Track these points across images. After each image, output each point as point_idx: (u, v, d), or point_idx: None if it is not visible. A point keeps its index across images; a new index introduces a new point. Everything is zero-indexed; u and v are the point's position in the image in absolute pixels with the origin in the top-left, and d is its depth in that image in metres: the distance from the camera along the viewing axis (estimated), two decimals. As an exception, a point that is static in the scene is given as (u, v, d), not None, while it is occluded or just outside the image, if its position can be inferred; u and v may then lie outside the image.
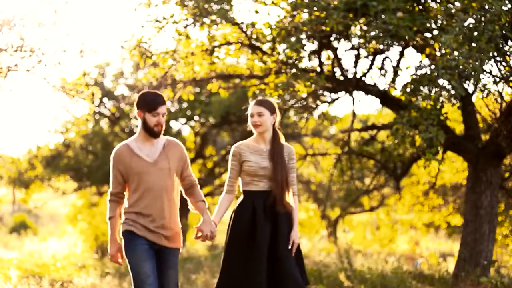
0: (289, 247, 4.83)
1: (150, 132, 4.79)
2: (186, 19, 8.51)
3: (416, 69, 7.23)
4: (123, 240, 4.82)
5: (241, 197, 4.97)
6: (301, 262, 4.94)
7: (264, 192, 4.91)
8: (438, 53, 7.83)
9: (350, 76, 8.86)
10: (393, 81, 8.87)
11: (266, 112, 4.95)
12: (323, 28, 7.91)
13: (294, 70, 8.29)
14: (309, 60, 8.60)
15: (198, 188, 4.97)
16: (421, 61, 8.01)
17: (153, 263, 4.73)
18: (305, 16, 8.05)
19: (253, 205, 4.87)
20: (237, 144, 5.01)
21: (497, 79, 7.52)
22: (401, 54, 8.80)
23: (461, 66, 6.66)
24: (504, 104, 8.43)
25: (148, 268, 4.68)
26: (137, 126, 17.96)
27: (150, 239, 4.73)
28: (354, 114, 9.61)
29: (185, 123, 18.29)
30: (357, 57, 8.74)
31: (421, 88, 7.08)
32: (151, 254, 4.75)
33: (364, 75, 8.87)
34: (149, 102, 4.74)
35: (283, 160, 4.92)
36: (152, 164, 4.78)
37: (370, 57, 8.80)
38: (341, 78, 8.88)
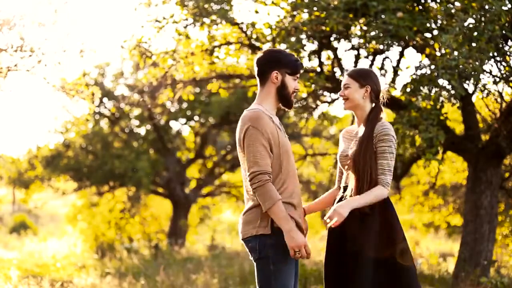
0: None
1: (286, 100, 3.70)
2: (186, 19, 8.51)
3: (416, 69, 7.22)
4: (270, 239, 3.57)
5: None
6: (410, 267, 3.78)
7: (346, 187, 3.87)
8: (438, 53, 7.83)
9: (350, 76, 8.85)
10: (393, 81, 8.87)
11: (353, 83, 3.86)
12: (323, 28, 7.91)
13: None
14: (309, 60, 8.60)
15: None
16: (421, 61, 8.00)
17: None
18: (305, 16, 8.05)
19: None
20: (344, 129, 4.07)
21: (497, 79, 7.52)
22: (401, 54, 8.80)
23: (461, 66, 6.66)
24: (504, 104, 8.43)
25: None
26: (137, 126, 17.90)
27: None
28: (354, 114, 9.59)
29: (185, 123, 18.28)
30: (357, 57, 8.74)
31: (421, 88, 7.08)
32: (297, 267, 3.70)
33: (364, 75, 8.86)
34: (294, 62, 3.69)
35: (368, 144, 3.80)
36: (288, 141, 3.73)
37: (370, 57, 8.79)
38: (341, 78, 8.88)
